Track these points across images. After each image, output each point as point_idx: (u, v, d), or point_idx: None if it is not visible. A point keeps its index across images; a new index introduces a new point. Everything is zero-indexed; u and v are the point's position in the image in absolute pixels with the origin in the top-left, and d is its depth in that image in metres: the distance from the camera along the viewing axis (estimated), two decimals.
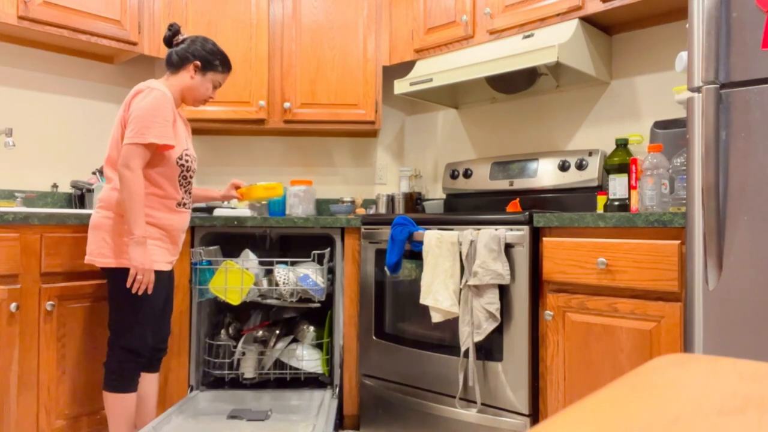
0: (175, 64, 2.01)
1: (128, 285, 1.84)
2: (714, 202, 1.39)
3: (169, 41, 2.04)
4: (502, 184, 2.59)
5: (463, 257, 1.94)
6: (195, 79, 2.01)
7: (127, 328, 1.89)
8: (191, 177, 2.04)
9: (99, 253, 1.87)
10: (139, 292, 1.84)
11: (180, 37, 2.04)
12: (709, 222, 1.39)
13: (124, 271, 1.86)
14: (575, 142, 2.53)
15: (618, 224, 1.68)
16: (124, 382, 1.89)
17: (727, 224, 1.40)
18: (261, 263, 2.45)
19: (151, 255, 1.88)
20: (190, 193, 2.06)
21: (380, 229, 2.30)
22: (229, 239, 2.77)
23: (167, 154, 1.92)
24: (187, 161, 1.99)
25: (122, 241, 1.86)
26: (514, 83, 2.53)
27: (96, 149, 2.92)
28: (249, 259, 2.41)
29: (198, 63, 2.00)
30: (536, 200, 2.49)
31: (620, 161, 2.01)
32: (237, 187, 2.30)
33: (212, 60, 2.03)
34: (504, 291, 1.90)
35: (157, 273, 1.92)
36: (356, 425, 2.45)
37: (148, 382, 2.07)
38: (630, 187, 1.94)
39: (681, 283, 1.57)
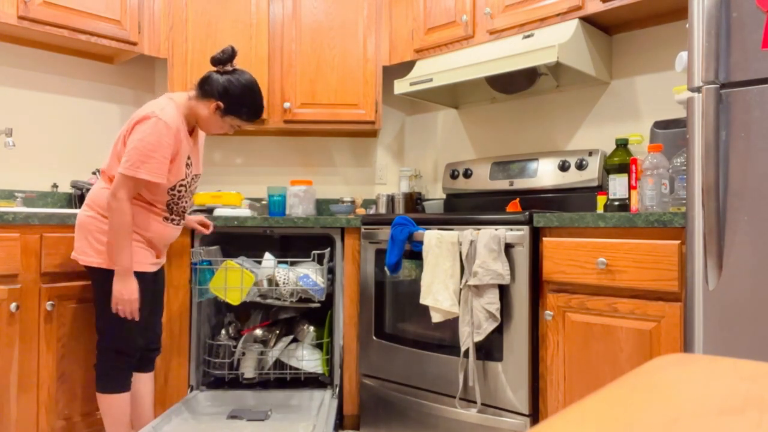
0: (202, 92, 1.91)
1: (113, 311, 1.84)
2: (714, 202, 1.39)
3: (216, 62, 1.91)
4: (502, 184, 2.59)
5: (463, 257, 1.94)
6: (213, 117, 1.92)
7: (113, 330, 1.89)
8: (185, 202, 2.01)
9: (82, 251, 1.88)
10: (126, 317, 1.85)
11: (229, 67, 1.92)
12: (709, 222, 1.39)
13: (105, 272, 1.86)
14: (575, 142, 2.53)
15: (618, 224, 1.68)
16: (115, 383, 1.90)
17: (727, 224, 1.40)
18: (260, 263, 2.45)
19: (135, 256, 1.88)
20: (180, 213, 2.02)
21: (380, 229, 2.29)
22: (230, 239, 2.77)
23: (160, 185, 1.88)
24: (180, 191, 1.95)
25: (104, 240, 1.86)
26: (514, 83, 2.53)
27: (96, 149, 2.92)
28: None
29: (220, 104, 1.89)
30: (536, 200, 2.49)
31: (620, 161, 2.01)
32: (203, 225, 2.25)
33: (238, 108, 1.91)
34: (504, 291, 1.90)
35: (141, 274, 1.90)
36: (356, 425, 2.45)
37: (143, 381, 2.07)
38: (630, 187, 1.94)
39: (681, 283, 1.57)
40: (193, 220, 2.23)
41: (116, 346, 1.89)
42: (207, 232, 2.25)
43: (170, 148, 1.83)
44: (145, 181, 1.81)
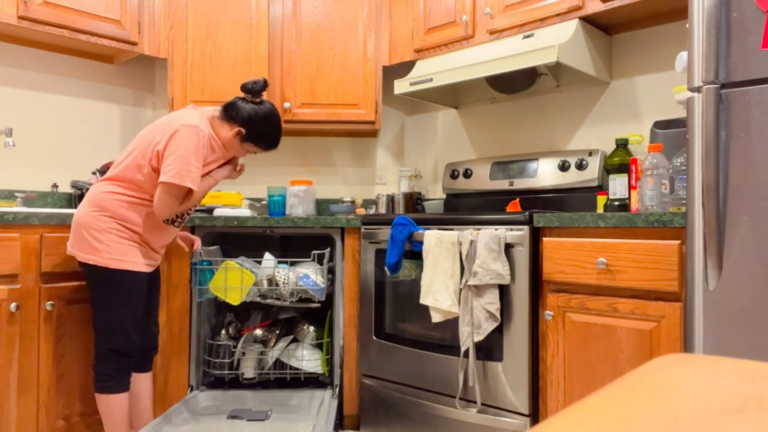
0: (227, 116, 1.99)
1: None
2: (714, 202, 1.39)
3: (246, 91, 2.00)
4: (502, 184, 2.59)
5: (463, 257, 1.94)
6: (233, 140, 1.99)
7: (110, 330, 1.89)
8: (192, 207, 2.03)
9: (80, 248, 1.87)
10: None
11: (257, 98, 2.01)
12: (709, 222, 1.39)
13: (101, 270, 1.86)
14: (575, 142, 2.53)
15: (618, 224, 1.68)
16: (114, 384, 1.89)
17: (727, 224, 1.40)
18: (260, 263, 2.45)
19: (130, 255, 1.89)
20: (183, 216, 2.03)
21: (380, 229, 2.29)
22: (230, 239, 2.77)
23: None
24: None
25: (100, 239, 1.86)
26: (514, 83, 2.53)
27: (96, 149, 2.92)
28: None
29: (242, 131, 1.98)
30: (536, 200, 2.49)
31: (620, 161, 2.01)
32: (187, 241, 2.25)
33: (257, 137, 2.01)
34: (504, 291, 1.90)
35: (134, 273, 1.91)
36: (356, 425, 2.45)
37: (141, 381, 2.07)
38: (630, 187, 1.94)
39: (681, 283, 1.57)
40: (179, 234, 2.21)
41: (114, 346, 1.89)
42: (187, 250, 2.23)
43: (203, 156, 1.91)
44: (187, 188, 1.87)
